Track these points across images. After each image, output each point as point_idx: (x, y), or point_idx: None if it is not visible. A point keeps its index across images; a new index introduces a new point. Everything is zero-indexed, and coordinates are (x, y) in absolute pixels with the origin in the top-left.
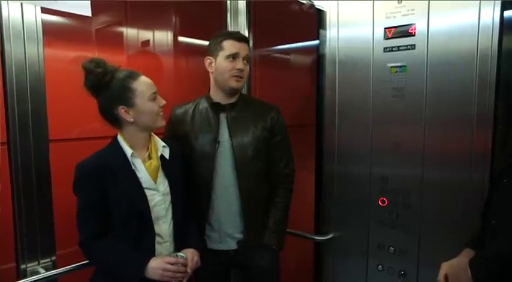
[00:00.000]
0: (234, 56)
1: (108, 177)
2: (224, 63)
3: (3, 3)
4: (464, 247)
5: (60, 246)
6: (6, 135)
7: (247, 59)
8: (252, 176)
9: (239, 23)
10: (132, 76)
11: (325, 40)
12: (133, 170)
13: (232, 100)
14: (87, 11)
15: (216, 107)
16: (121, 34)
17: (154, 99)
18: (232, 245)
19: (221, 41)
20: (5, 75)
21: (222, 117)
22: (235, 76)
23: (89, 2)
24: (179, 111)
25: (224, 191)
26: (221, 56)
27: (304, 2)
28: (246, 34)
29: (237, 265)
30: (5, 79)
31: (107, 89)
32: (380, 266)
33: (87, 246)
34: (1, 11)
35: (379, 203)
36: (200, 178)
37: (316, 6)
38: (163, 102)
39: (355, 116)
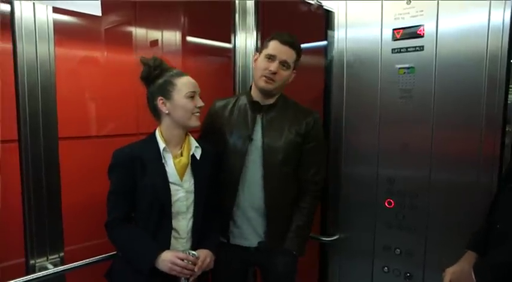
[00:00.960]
0: (271, 57)
1: (138, 167)
2: (261, 62)
3: (16, 4)
4: (465, 249)
5: (68, 242)
6: (18, 132)
7: (286, 64)
8: (278, 179)
9: (247, 23)
10: (178, 74)
11: (333, 41)
12: (163, 163)
13: (271, 101)
14: (97, 11)
15: (255, 106)
16: (130, 34)
17: (191, 97)
18: (253, 243)
19: (269, 40)
20: (17, 74)
21: (258, 117)
22: (265, 77)
23: (99, 1)
24: (219, 104)
25: (250, 189)
26: (263, 53)
27: (312, 2)
28: (254, 34)
29: (257, 264)
30: (17, 78)
31: (155, 81)
32: (386, 268)
33: (111, 227)
34: (14, 11)
35: (386, 204)
36: (229, 174)
37: (325, 7)
38: (201, 103)
39: (363, 117)
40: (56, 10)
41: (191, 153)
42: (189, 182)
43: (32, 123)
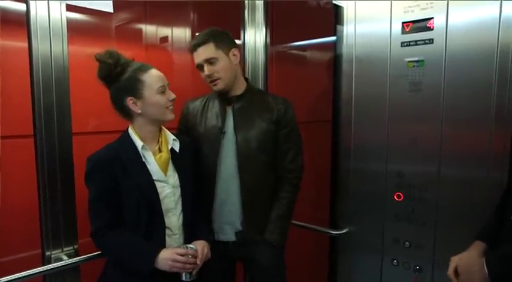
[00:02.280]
0: (198, 67)
1: (119, 168)
2: (201, 75)
3: (32, 3)
4: (474, 239)
5: (82, 235)
6: (33, 127)
7: (211, 60)
8: (254, 169)
9: (256, 20)
10: (143, 68)
11: (342, 36)
12: (143, 162)
13: (239, 92)
14: (109, 7)
15: (223, 98)
16: (140, 31)
17: (163, 92)
18: (231, 237)
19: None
20: (32, 71)
21: (229, 108)
22: (210, 82)
23: None
24: (192, 104)
25: (226, 181)
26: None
27: None
28: (263, 31)
29: (239, 258)
30: (32, 74)
31: (118, 80)
32: (395, 261)
33: (99, 237)
34: (30, 10)
35: (395, 197)
36: (205, 168)
37: (334, 2)
38: (173, 96)
39: (372, 111)
40: (69, 8)
41: (170, 147)
42: (173, 177)
43: (47, 119)
